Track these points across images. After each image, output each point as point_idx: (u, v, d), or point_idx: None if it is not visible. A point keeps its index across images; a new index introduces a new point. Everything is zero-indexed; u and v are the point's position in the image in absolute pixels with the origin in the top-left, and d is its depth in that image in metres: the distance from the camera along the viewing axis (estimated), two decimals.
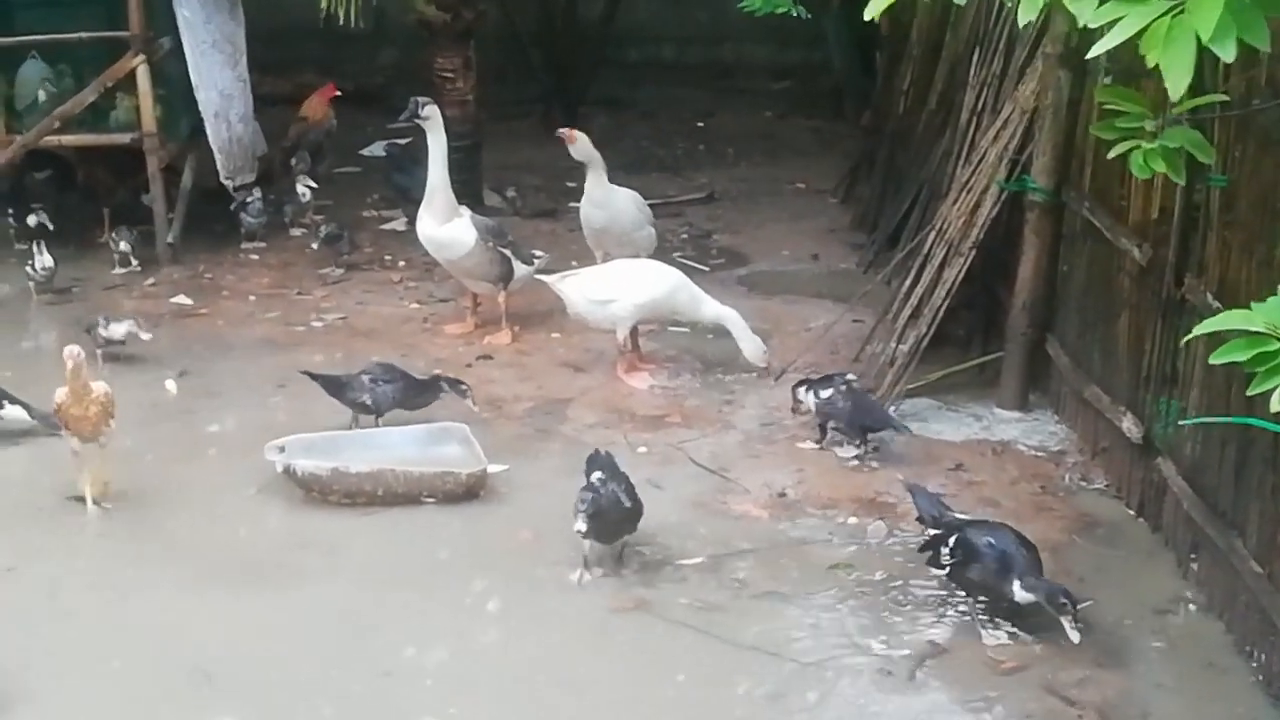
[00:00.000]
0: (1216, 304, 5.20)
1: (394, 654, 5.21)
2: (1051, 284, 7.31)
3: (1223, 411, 5.21)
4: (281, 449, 6.43)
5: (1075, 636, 5.05)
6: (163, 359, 8.10)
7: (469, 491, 6.39)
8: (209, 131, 9.75)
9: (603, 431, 7.14)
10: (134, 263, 9.64)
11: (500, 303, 8.44)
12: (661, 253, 9.08)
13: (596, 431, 7.14)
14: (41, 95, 9.98)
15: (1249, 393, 3.22)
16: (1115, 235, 6.43)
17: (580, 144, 8.65)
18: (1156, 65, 2.95)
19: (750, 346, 7.75)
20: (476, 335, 8.48)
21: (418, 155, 9.04)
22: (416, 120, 8.19)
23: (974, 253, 7.46)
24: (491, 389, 7.48)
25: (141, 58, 9.42)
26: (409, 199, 9.42)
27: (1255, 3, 2.97)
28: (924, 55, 9.73)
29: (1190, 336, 3.93)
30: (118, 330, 7.88)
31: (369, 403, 6.95)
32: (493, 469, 6.46)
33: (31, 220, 9.17)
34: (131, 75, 9.49)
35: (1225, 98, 4.89)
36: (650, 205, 9.06)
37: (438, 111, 8.25)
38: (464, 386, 7.12)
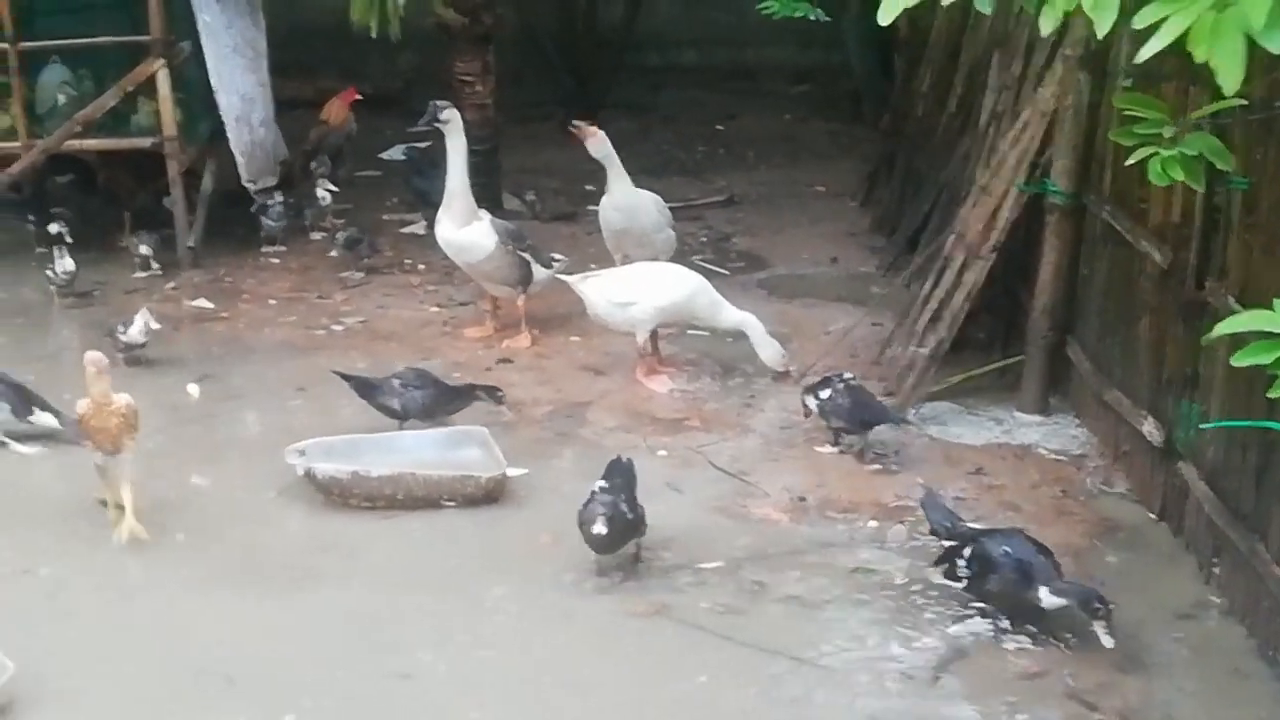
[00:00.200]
0: (1238, 307, 5.16)
1: (411, 657, 5.22)
2: (1072, 287, 7.28)
3: (1244, 415, 5.19)
4: (302, 452, 6.44)
5: (1109, 641, 5.02)
6: (183, 362, 8.15)
7: (488, 495, 6.39)
8: (230, 136, 9.79)
9: (622, 435, 7.14)
10: (155, 266, 9.68)
11: (519, 306, 8.45)
12: (681, 256, 9.06)
13: (616, 435, 7.14)
14: (62, 99, 10.03)
15: (1270, 395, 3.21)
16: (1136, 238, 6.41)
17: (597, 141, 8.60)
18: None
19: (769, 352, 7.74)
20: (496, 339, 8.48)
21: (437, 159, 9.06)
22: (436, 124, 8.19)
23: (994, 256, 7.45)
24: (511, 392, 7.47)
25: (162, 62, 9.45)
26: (428, 203, 9.42)
27: None
28: (943, 58, 9.73)
29: (1211, 337, 3.91)
30: (136, 333, 7.89)
31: (397, 407, 6.95)
32: (512, 473, 6.46)
33: (52, 229, 9.21)
34: (152, 79, 9.52)
35: (1244, 102, 4.87)
36: (670, 208, 9.05)
37: (457, 115, 8.26)
38: (500, 393, 7.11)
